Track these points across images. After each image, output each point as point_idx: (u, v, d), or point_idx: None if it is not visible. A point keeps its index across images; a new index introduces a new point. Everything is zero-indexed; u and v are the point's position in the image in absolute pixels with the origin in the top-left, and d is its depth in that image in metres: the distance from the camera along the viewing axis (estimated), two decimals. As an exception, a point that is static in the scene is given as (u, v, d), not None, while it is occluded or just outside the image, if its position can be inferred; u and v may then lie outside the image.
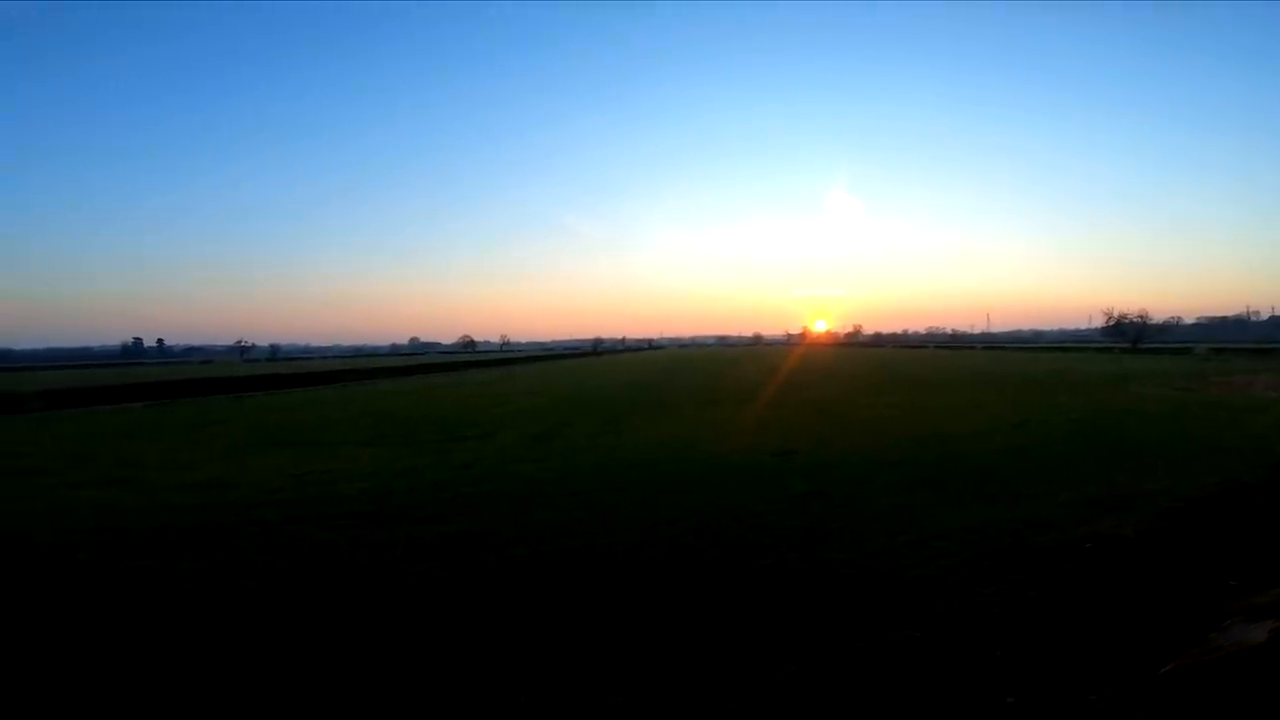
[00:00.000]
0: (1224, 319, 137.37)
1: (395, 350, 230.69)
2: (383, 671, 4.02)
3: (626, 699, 3.64)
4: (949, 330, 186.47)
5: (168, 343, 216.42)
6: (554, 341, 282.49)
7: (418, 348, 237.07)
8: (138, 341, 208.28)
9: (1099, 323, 79.30)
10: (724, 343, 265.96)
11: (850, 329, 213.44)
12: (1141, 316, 73.03)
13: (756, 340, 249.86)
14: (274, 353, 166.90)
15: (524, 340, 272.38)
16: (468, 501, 8.51)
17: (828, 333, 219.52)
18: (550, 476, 9.96)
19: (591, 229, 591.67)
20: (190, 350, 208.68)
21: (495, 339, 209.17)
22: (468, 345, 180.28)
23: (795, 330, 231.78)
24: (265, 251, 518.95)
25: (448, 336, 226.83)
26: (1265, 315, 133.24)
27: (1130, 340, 71.02)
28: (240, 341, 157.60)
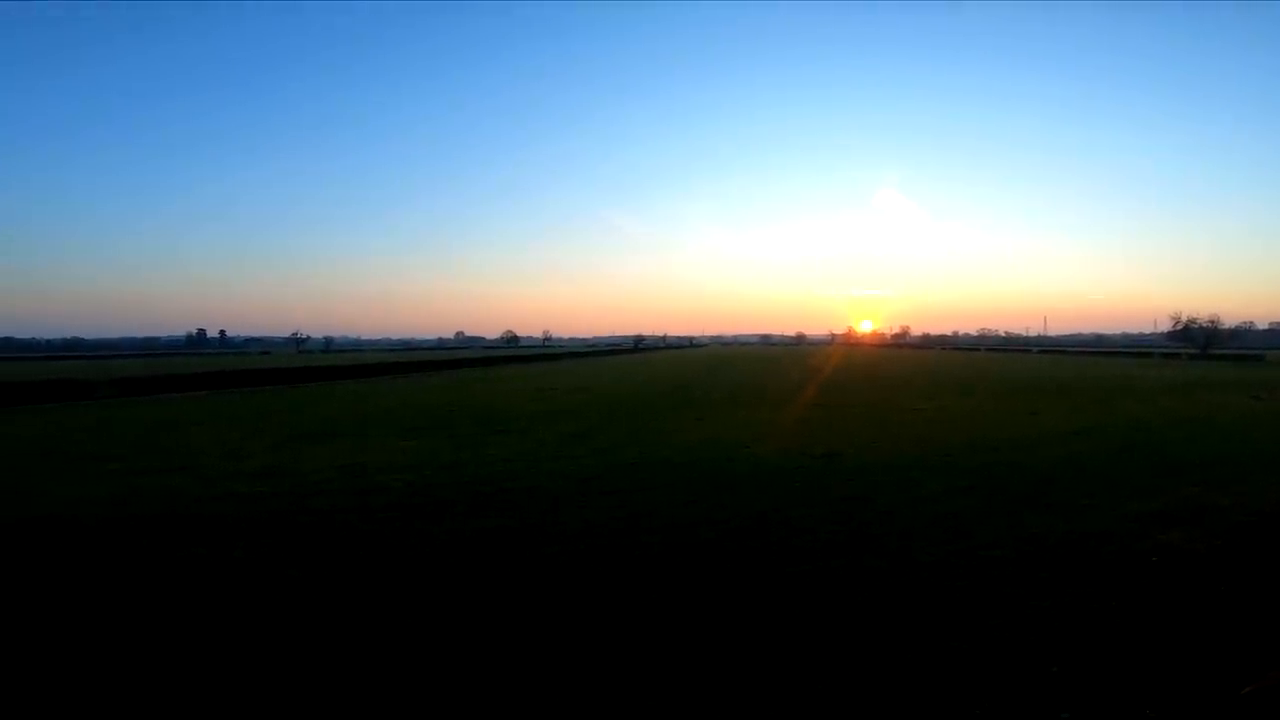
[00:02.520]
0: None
1: (441, 344, 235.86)
2: (408, 664, 4.05)
3: (646, 702, 3.58)
4: (1002, 333, 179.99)
5: (229, 334, 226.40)
6: (596, 338, 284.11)
7: (462, 342, 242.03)
8: (201, 332, 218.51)
9: (1165, 327, 75.42)
10: (767, 341, 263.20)
11: (897, 330, 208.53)
12: (1212, 321, 69.08)
13: (799, 340, 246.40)
14: (328, 345, 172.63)
15: (566, 336, 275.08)
16: (506, 497, 8.57)
17: (873, 333, 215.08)
18: (588, 474, 9.95)
19: (635, 226, 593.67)
20: (250, 341, 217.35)
21: (538, 334, 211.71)
22: (511, 340, 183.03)
23: (840, 330, 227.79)
24: (322, 247, 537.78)
25: (492, 331, 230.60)
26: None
27: (1199, 346, 67.30)
28: (296, 334, 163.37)
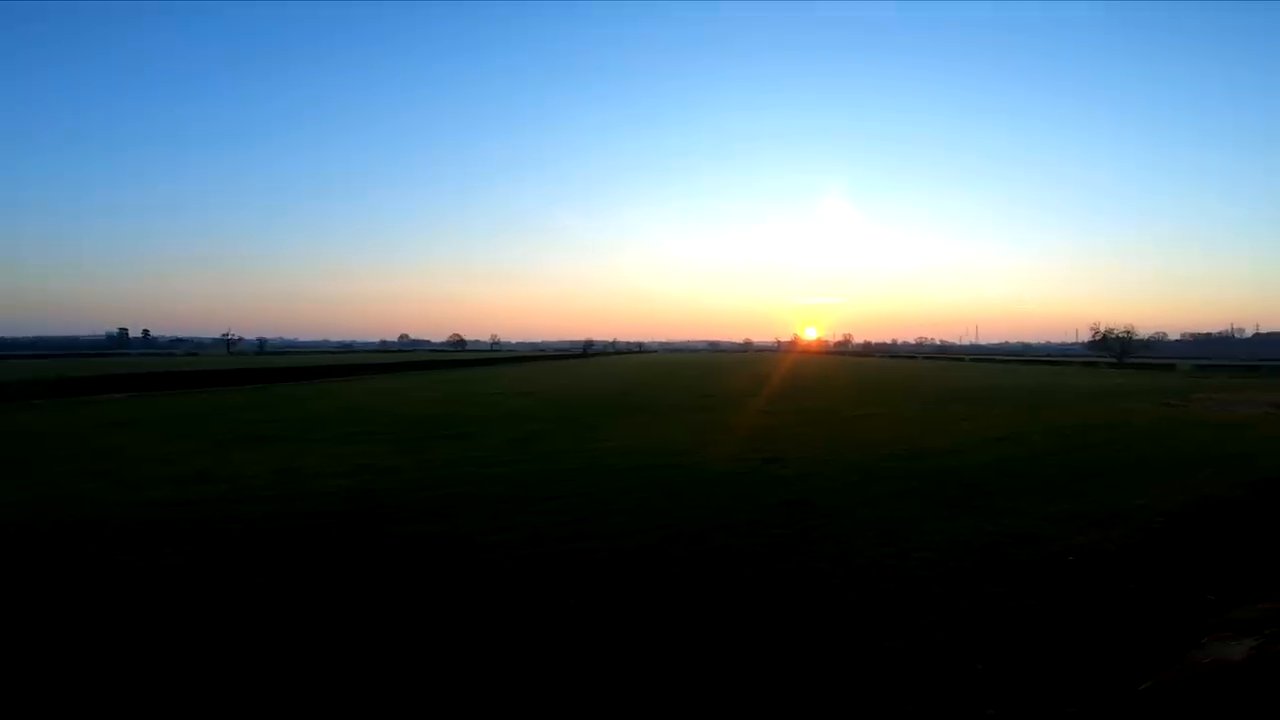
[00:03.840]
0: (1209, 335, 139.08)
1: (384, 347, 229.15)
2: (343, 672, 3.92)
3: (593, 704, 3.57)
4: (938, 341, 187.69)
5: (153, 334, 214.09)
6: (545, 342, 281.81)
7: (406, 345, 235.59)
8: (123, 332, 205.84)
9: (1086, 337, 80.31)
10: (715, 348, 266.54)
11: (840, 337, 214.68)
12: (1127, 332, 73.96)
13: (747, 346, 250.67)
14: (261, 346, 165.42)
15: (515, 340, 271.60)
16: (448, 503, 8.40)
17: (818, 340, 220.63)
18: (533, 480, 9.86)
19: (587, 230, 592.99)
20: (176, 342, 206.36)
21: (486, 338, 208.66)
22: (458, 344, 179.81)
23: (786, 337, 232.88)
24: (255, 244, 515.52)
25: (438, 334, 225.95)
26: (1249, 332, 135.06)
27: (1116, 355, 71.79)
28: (227, 334, 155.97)
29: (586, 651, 4.22)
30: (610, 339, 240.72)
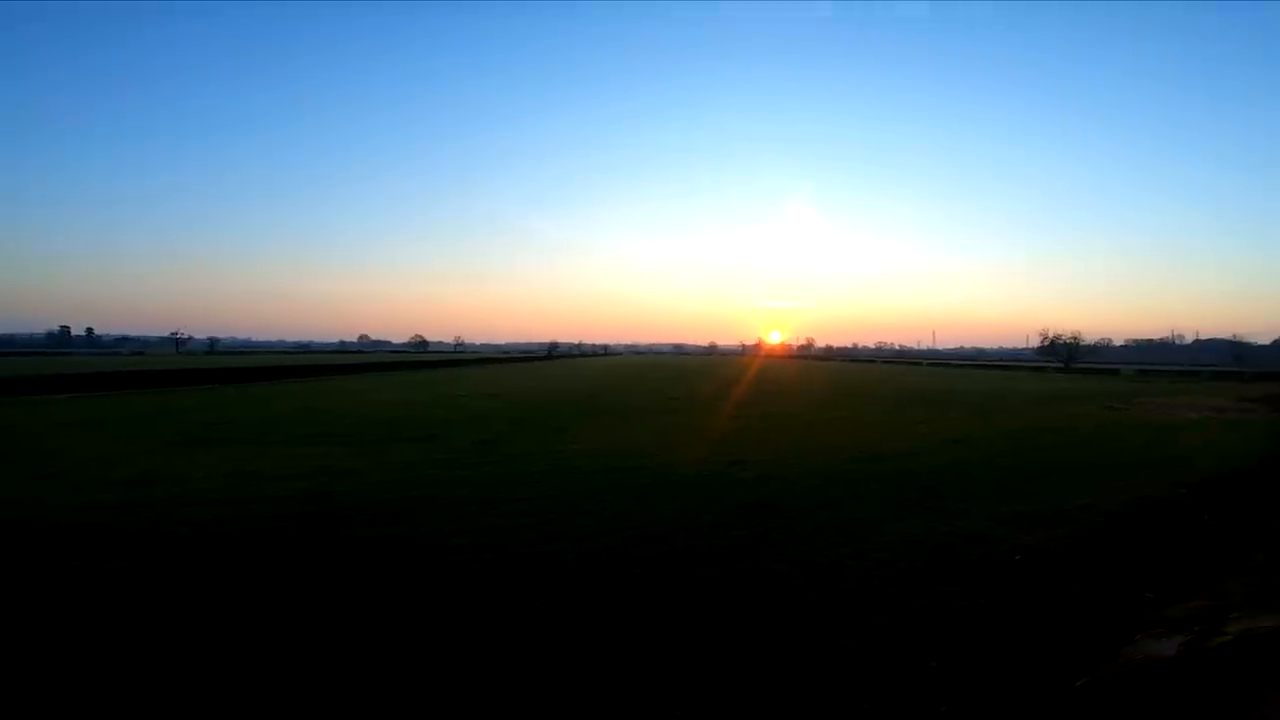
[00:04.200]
0: (1151, 341, 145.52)
1: (343, 348, 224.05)
2: (295, 678, 3.87)
3: (556, 703, 3.60)
4: (896, 346, 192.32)
5: (97, 332, 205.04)
6: (509, 344, 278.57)
7: (367, 346, 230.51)
8: (65, 330, 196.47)
9: (1035, 342, 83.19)
10: (680, 351, 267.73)
11: (804, 341, 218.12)
12: (1074, 338, 76.95)
13: (712, 350, 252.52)
14: (212, 346, 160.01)
15: (478, 342, 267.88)
16: (410, 505, 8.31)
17: (782, 344, 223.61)
18: (497, 482, 9.81)
19: (552, 231, 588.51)
20: (121, 340, 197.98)
21: (449, 339, 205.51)
22: (420, 345, 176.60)
23: (750, 341, 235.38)
24: (206, 240, 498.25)
25: (399, 335, 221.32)
26: (1189, 339, 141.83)
27: (1063, 360, 74.55)
28: (176, 333, 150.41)
29: (551, 652, 4.24)
30: (576, 341, 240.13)
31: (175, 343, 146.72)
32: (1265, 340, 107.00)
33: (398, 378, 48.48)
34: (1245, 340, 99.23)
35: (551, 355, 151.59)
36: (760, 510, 8.08)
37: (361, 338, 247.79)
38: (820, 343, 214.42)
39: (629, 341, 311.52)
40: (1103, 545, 6.58)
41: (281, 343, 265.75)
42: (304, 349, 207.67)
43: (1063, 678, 3.75)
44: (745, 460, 11.81)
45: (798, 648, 4.32)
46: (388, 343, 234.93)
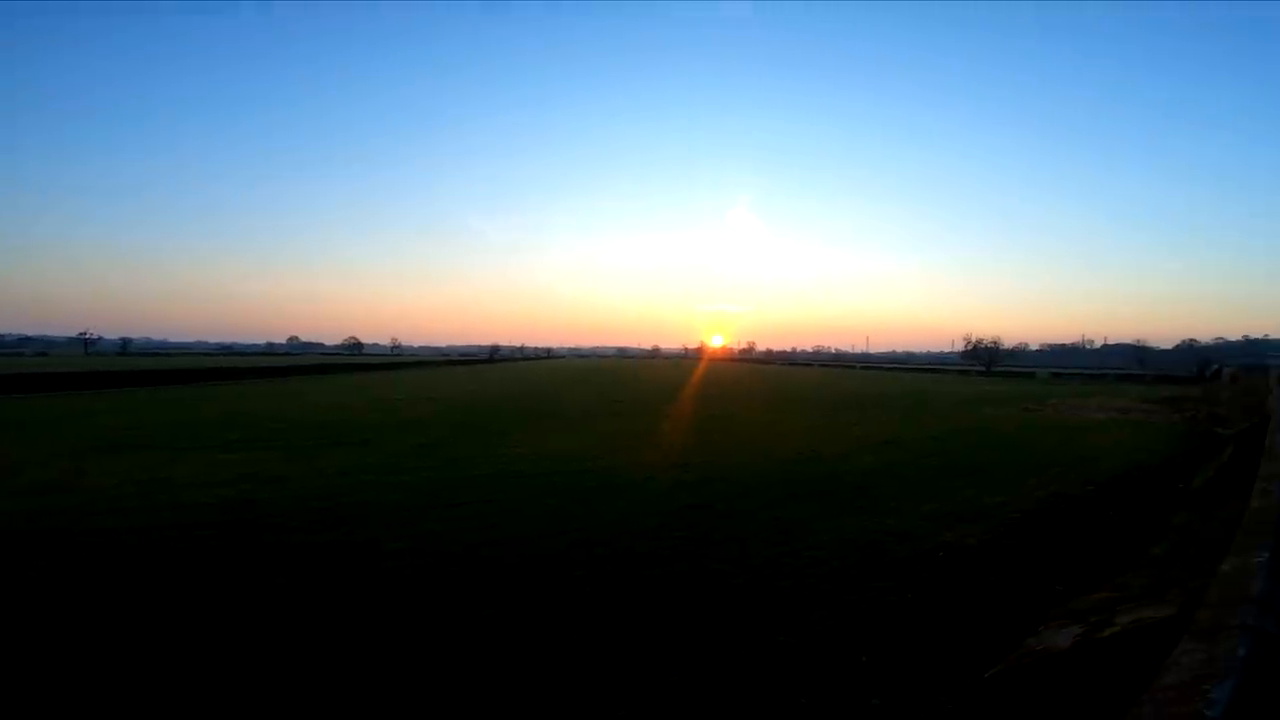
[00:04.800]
0: (1064, 345, 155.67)
1: (270, 349, 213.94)
2: (208, 690, 3.69)
3: (496, 705, 3.56)
4: (833, 350, 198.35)
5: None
6: (449, 346, 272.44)
7: (296, 347, 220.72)
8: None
9: (960, 346, 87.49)
10: (623, 354, 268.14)
11: (745, 345, 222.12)
12: (995, 342, 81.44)
13: (655, 353, 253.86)
14: (124, 347, 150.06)
15: (417, 344, 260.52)
16: (343, 512, 8.03)
17: (724, 348, 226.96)
18: (435, 487, 9.59)
19: (495, 233, 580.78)
20: (24, 341, 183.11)
21: (385, 341, 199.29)
22: (354, 347, 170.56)
23: (693, 344, 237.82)
24: (118, 235, 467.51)
25: (332, 337, 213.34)
26: (1098, 344, 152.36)
27: (985, 364, 78.67)
28: (85, 333, 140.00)
29: (489, 657, 4.18)
30: (518, 344, 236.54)
31: (84, 343, 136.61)
32: (1167, 345, 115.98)
33: (330, 381, 46.72)
34: (1148, 345, 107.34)
35: (493, 358, 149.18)
36: (702, 512, 8.19)
37: (291, 339, 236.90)
38: (761, 346, 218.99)
39: (573, 345, 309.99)
40: (1018, 540, 6.97)
41: (202, 344, 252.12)
42: (227, 351, 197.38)
43: (976, 669, 3.96)
44: (687, 463, 11.95)
45: (737, 645, 4.40)
46: (320, 345, 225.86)
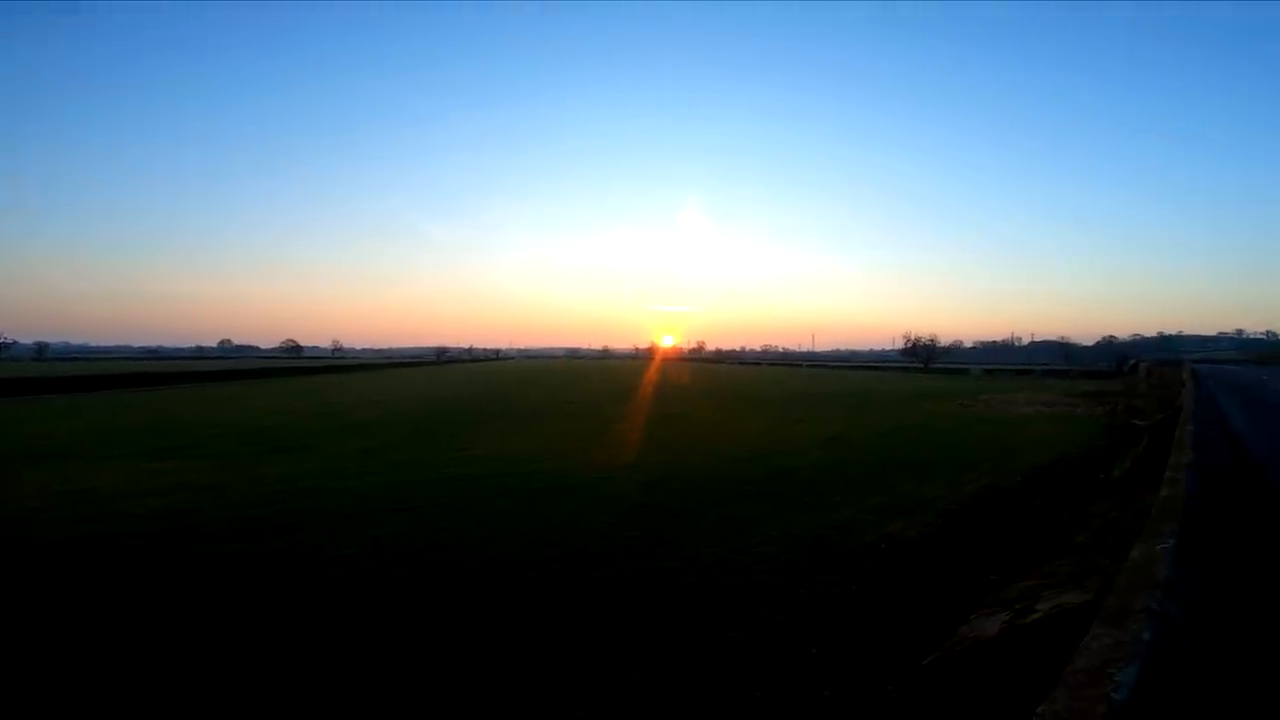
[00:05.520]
0: (995, 343, 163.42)
1: (201, 353, 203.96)
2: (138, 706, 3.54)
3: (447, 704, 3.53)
4: (780, 349, 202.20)
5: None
6: (394, 349, 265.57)
7: (229, 351, 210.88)
8: None
9: (899, 344, 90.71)
10: (574, 355, 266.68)
11: (695, 345, 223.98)
12: (932, 340, 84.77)
13: (605, 354, 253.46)
14: (40, 351, 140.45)
15: (359, 346, 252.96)
16: (284, 520, 7.77)
17: (674, 348, 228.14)
18: (381, 492, 9.38)
19: (442, 233, 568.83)
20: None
21: (326, 344, 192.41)
22: (293, 350, 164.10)
23: (643, 345, 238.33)
24: (31, 234, 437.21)
25: (268, 340, 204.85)
26: (1026, 341, 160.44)
27: (923, 361, 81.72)
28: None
29: (440, 660, 4.14)
30: (466, 346, 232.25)
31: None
32: (1089, 342, 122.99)
33: (267, 385, 44.93)
34: (1072, 342, 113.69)
35: (440, 360, 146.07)
36: (654, 511, 8.27)
37: (223, 342, 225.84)
38: (710, 346, 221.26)
39: (522, 346, 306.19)
40: (955, 531, 7.30)
41: (126, 348, 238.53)
42: (152, 355, 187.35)
43: (917, 656, 4.15)
44: (640, 463, 12.02)
45: (691, 642, 4.48)
46: (254, 348, 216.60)
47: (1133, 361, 59.74)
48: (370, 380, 53.08)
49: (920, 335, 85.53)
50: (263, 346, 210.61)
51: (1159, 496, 4.54)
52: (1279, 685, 2.64)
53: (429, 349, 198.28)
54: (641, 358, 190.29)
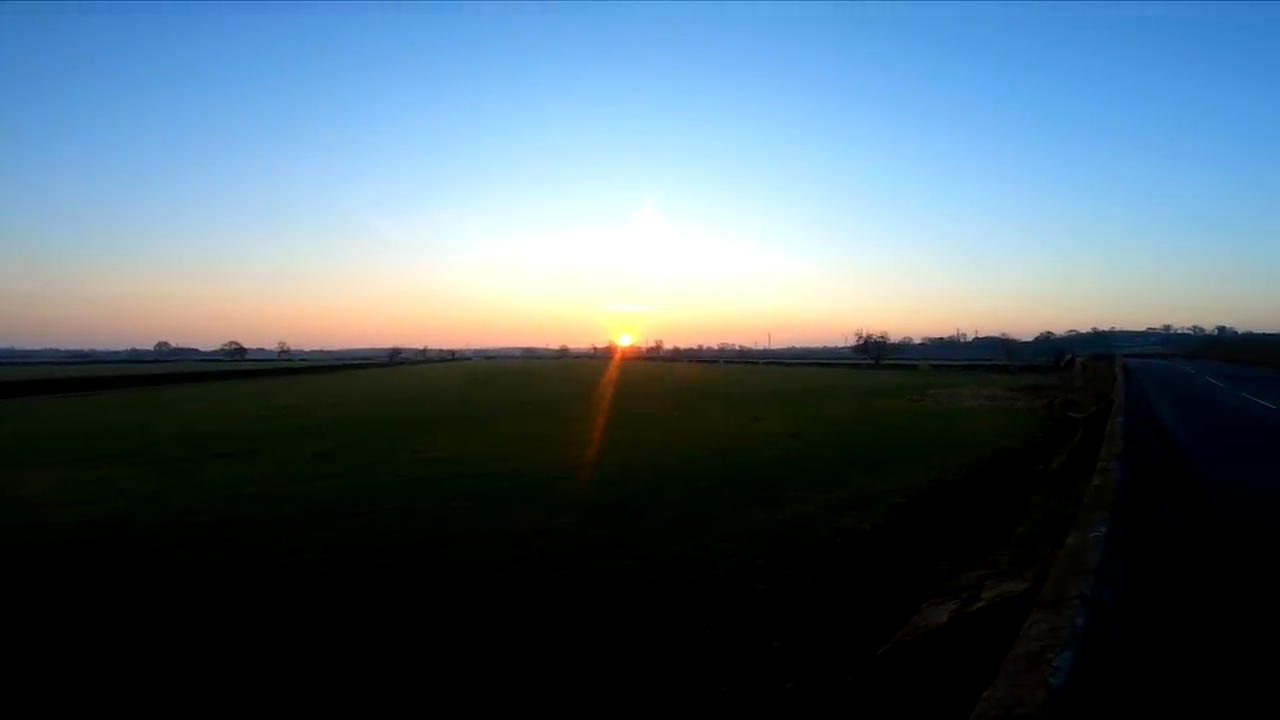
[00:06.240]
0: (941, 339, 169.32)
1: (136, 356, 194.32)
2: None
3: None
4: (737, 347, 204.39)
5: None
6: (345, 350, 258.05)
7: (167, 354, 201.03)
8: None
9: (852, 342, 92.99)
10: (531, 355, 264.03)
11: (653, 344, 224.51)
12: (883, 337, 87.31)
13: (563, 353, 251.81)
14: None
15: (308, 348, 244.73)
16: (229, 526, 7.51)
17: (632, 347, 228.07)
18: (332, 497, 9.14)
19: (395, 232, 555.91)
20: None
21: (272, 346, 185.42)
22: (236, 352, 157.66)
23: (601, 344, 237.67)
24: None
25: (209, 342, 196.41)
26: (970, 337, 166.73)
27: (874, 357, 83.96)
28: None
29: (398, 667, 4.07)
30: (421, 347, 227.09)
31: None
32: (1028, 337, 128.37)
33: (209, 389, 43.23)
34: (1013, 338, 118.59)
35: (394, 362, 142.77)
36: (613, 510, 8.29)
37: (160, 344, 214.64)
38: (668, 344, 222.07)
39: (479, 346, 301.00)
40: (907, 524, 7.54)
41: (53, 352, 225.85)
42: (83, 359, 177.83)
43: (873, 646, 4.28)
44: (598, 462, 12.02)
45: (654, 638, 4.51)
46: (194, 351, 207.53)
47: (1069, 356, 62.46)
48: (320, 382, 51.59)
49: (872, 333, 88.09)
50: (204, 349, 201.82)
51: (1091, 486, 4.80)
52: (1198, 661, 2.83)
53: (382, 350, 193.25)
54: (600, 357, 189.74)
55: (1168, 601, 3.51)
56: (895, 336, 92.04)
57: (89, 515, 8.05)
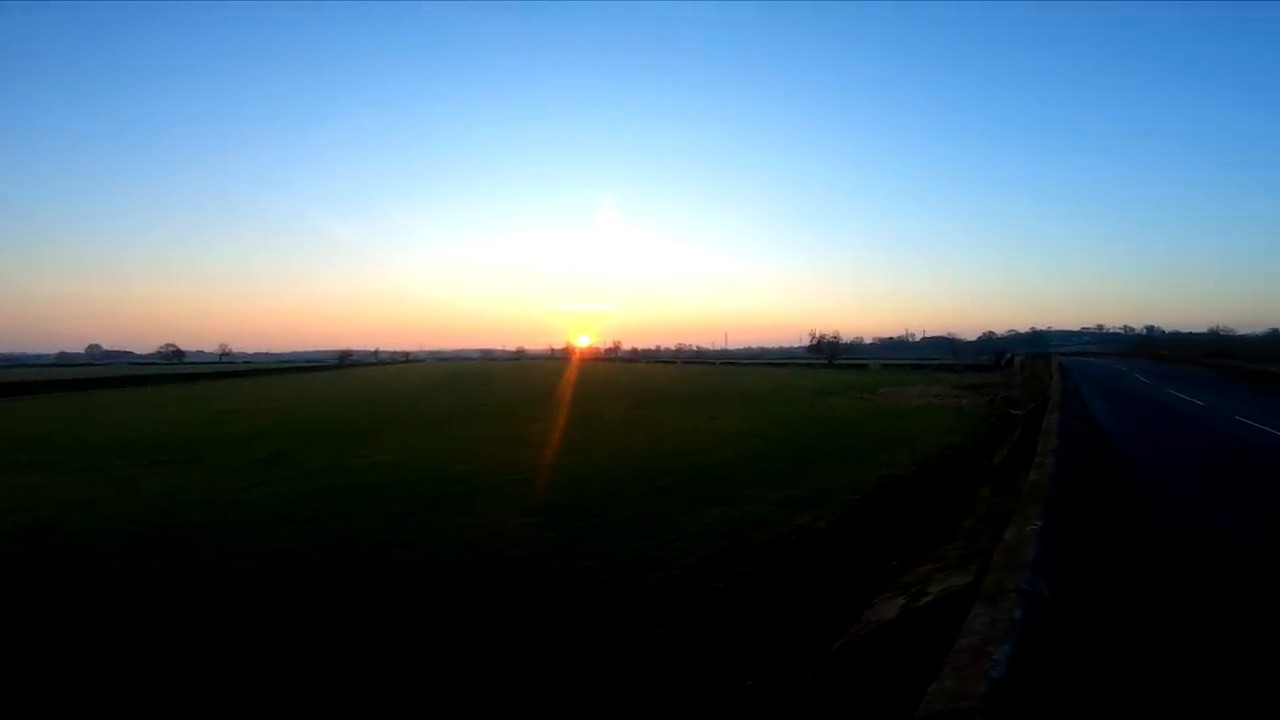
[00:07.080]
0: (891, 339, 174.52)
1: (64, 360, 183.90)
2: None
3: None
4: (695, 347, 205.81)
5: None
6: (292, 352, 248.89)
7: (98, 357, 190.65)
8: None
9: (806, 342, 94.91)
10: (488, 356, 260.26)
11: (611, 344, 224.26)
12: (835, 337, 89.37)
13: (520, 355, 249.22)
14: None
15: (251, 351, 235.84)
16: (169, 535, 7.22)
17: (590, 348, 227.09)
18: (278, 503, 8.86)
19: (344, 231, 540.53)
20: None
21: (212, 348, 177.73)
22: (172, 355, 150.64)
23: (559, 345, 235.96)
24: None
25: (144, 344, 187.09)
26: (918, 337, 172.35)
27: (827, 357, 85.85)
28: None
29: (351, 677, 3.98)
30: (372, 349, 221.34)
31: None
32: (972, 337, 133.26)
33: (145, 394, 41.31)
34: (958, 337, 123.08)
35: (344, 364, 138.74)
36: (572, 511, 8.26)
37: (91, 347, 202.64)
38: (626, 345, 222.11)
39: (434, 348, 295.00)
40: (860, 520, 7.74)
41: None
42: (7, 363, 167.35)
43: (829, 642, 4.38)
44: (556, 463, 11.96)
45: (615, 639, 4.52)
46: (128, 353, 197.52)
47: (1009, 355, 64.93)
48: (264, 386, 49.86)
49: (825, 333, 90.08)
50: (138, 352, 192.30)
51: (1027, 481, 5.01)
52: (1129, 648, 3.00)
53: (330, 352, 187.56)
54: (558, 358, 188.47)
55: (1096, 591, 3.70)
56: (847, 336, 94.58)
57: (18, 524, 7.63)
